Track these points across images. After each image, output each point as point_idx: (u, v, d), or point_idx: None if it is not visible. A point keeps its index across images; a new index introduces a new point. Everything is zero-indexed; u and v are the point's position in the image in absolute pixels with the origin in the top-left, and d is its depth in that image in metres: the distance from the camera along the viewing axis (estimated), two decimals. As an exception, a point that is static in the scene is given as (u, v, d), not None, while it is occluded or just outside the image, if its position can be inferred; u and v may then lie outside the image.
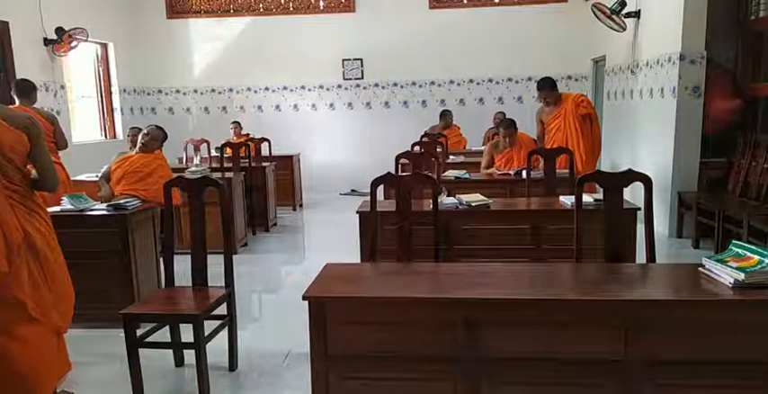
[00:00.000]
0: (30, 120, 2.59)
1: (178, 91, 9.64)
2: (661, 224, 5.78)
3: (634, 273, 2.57)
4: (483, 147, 6.65)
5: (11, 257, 2.43)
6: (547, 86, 5.85)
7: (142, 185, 4.37)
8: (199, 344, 2.81)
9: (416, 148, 6.11)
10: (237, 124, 8.27)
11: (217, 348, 3.09)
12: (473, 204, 3.72)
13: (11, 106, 5.05)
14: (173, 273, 3.20)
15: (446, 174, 5.33)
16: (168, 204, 3.23)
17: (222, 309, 3.11)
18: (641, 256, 3.10)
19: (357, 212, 3.69)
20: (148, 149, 4.57)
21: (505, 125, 5.75)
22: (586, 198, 3.25)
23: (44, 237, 2.57)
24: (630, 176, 2.79)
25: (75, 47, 7.23)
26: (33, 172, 2.66)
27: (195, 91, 9.62)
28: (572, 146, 5.52)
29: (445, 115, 8.17)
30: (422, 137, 7.19)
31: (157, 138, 4.65)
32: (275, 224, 7.07)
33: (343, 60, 9.28)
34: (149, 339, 2.95)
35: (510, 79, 9.15)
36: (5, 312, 2.45)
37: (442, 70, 9.16)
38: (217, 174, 5.83)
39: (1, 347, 2.43)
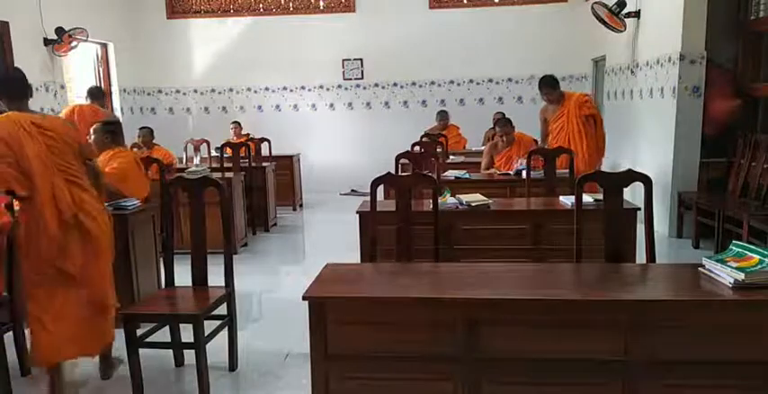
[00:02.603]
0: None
1: (178, 91, 9.64)
2: (661, 224, 5.78)
3: (634, 273, 2.57)
4: (483, 147, 6.65)
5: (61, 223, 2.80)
6: (546, 84, 5.76)
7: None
8: (199, 344, 2.81)
9: (416, 148, 6.11)
10: (237, 124, 8.28)
11: (217, 348, 3.09)
12: (473, 204, 3.72)
13: (84, 104, 5.69)
14: (173, 273, 3.20)
15: (446, 174, 5.33)
16: (168, 204, 3.23)
17: (222, 309, 3.11)
18: (641, 256, 3.10)
19: (357, 212, 3.68)
20: (103, 148, 4.19)
21: (502, 123, 5.74)
22: (586, 198, 3.25)
23: (94, 219, 2.91)
24: (630, 176, 2.79)
25: (75, 47, 7.22)
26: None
27: (195, 91, 9.61)
28: (575, 146, 5.47)
29: (441, 115, 8.16)
30: (422, 137, 7.20)
31: (97, 131, 4.23)
32: (275, 224, 7.07)
33: (344, 60, 9.28)
34: (149, 339, 2.95)
35: (510, 79, 9.15)
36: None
37: (441, 70, 9.15)
38: (217, 174, 5.83)
39: None
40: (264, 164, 7.00)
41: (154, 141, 7.01)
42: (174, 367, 3.28)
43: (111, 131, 4.18)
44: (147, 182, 4.23)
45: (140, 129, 6.49)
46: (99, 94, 5.93)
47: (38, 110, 6.72)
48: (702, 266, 2.26)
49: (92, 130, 4.26)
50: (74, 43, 7.14)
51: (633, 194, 4.44)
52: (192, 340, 2.85)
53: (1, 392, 2.89)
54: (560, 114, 5.73)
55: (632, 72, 6.82)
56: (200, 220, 3.14)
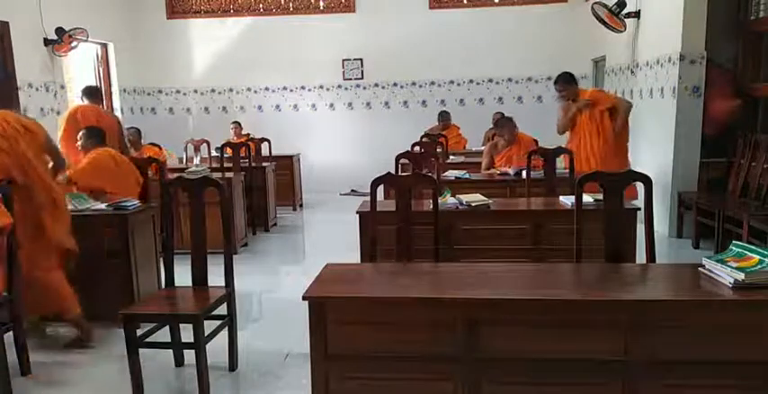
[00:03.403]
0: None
1: (178, 91, 9.64)
2: (661, 224, 5.78)
3: (634, 273, 2.57)
4: (483, 148, 6.64)
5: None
6: (560, 79, 5.58)
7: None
8: (199, 344, 2.81)
9: (416, 148, 6.11)
10: (238, 124, 8.27)
11: (217, 348, 3.09)
12: (473, 204, 3.72)
13: (83, 103, 5.67)
14: (173, 273, 3.20)
15: (446, 174, 5.33)
16: (168, 204, 3.23)
17: (222, 309, 3.10)
18: (641, 256, 3.10)
19: (357, 212, 3.68)
20: (89, 149, 4.38)
21: (503, 123, 5.74)
22: (586, 198, 3.25)
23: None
24: (630, 176, 2.79)
25: (76, 47, 7.22)
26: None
27: (195, 91, 9.61)
28: (585, 146, 5.39)
29: (443, 116, 8.18)
30: (422, 137, 7.20)
31: (83, 136, 4.45)
32: (275, 224, 7.07)
33: (344, 60, 9.28)
34: (149, 339, 2.95)
35: (510, 79, 9.15)
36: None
37: (441, 70, 9.16)
38: (217, 174, 5.83)
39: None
40: (264, 164, 7.00)
41: (150, 141, 7.03)
42: (174, 367, 3.28)
43: (96, 135, 4.42)
44: (133, 179, 4.31)
45: (127, 129, 6.49)
46: (96, 93, 5.92)
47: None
48: (702, 266, 2.26)
49: (79, 135, 4.45)
50: (74, 43, 7.14)
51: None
52: (192, 340, 2.85)
53: (1, 392, 2.89)
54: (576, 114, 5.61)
55: (632, 72, 6.81)
56: (201, 220, 3.14)
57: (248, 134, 8.15)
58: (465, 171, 5.42)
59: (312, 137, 9.38)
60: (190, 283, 3.17)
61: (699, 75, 5.60)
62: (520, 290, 2.26)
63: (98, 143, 4.36)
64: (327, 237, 6.71)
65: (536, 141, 6.05)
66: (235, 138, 7.99)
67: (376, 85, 9.34)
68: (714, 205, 5.15)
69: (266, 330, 3.93)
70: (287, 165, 7.87)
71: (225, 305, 3.12)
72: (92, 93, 5.81)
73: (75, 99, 7.88)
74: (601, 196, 2.86)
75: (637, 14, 6.57)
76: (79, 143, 4.42)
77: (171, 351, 3.27)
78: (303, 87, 9.45)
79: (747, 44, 5.68)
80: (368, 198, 3.13)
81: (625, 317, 2.05)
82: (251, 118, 9.31)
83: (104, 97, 8.59)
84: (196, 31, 9.38)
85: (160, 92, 9.64)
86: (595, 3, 6.66)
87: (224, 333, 3.12)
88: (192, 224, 3.16)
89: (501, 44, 8.92)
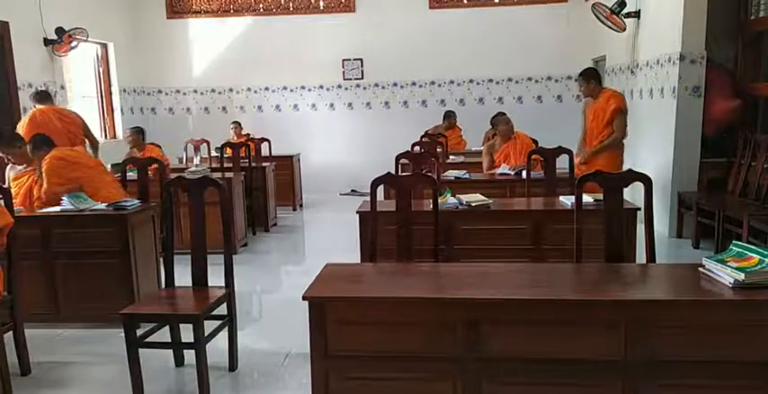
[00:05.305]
0: None
1: (178, 91, 9.64)
2: (661, 224, 5.78)
3: (634, 273, 2.57)
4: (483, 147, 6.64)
5: None
6: (580, 75, 5.51)
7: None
8: (199, 344, 2.81)
9: (416, 148, 6.11)
10: (238, 124, 8.27)
11: (217, 348, 3.09)
12: (473, 204, 3.72)
13: (43, 107, 5.55)
14: (173, 273, 3.20)
15: (446, 174, 5.33)
16: (168, 204, 3.23)
17: (222, 309, 3.10)
18: (641, 256, 3.10)
19: (357, 212, 3.68)
20: (42, 156, 4.30)
21: (496, 119, 5.77)
22: (586, 198, 3.24)
23: None
24: (630, 176, 2.79)
25: (76, 47, 7.22)
26: None
27: (195, 91, 9.61)
28: (591, 136, 5.39)
29: (449, 116, 8.19)
30: (422, 137, 7.20)
31: (33, 150, 4.35)
32: (275, 224, 7.07)
33: (344, 60, 9.28)
34: (149, 339, 2.95)
35: (510, 79, 9.15)
36: None
37: (442, 70, 9.16)
38: (217, 175, 5.83)
39: None
40: (264, 164, 7.00)
41: (150, 141, 7.01)
42: (174, 367, 3.28)
43: (41, 141, 4.28)
44: (93, 162, 4.39)
45: (129, 129, 6.47)
46: (46, 96, 5.78)
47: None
48: (702, 266, 2.26)
49: (28, 148, 4.32)
50: (74, 43, 7.14)
51: (633, 194, 4.44)
52: (192, 340, 2.85)
53: (1, 392, 2.89)
54: (591, 109, 5.55)
55: (632, 72, 6.82)
56: (201, 220, 3.14)
57: (248, 134, 8.14)
58: (465, 171, 5.43)
59: (312, 137, 9.38)
60: (190, 283, 3.17)
61: (699, 75, 5.60)
62: (520, 290, 2.26)
63: (45, 150, 4.26)
64: (327, 237, 6.71)
65: (535, 142, 6.04)
66: (235, 138, 7.99)
67: (376, 85, 9.34)
68: (714, 205, 5.15)
69: (266, 330, 3.93)
70: (287, 165, 7.87)
71: (225, 305, 3.12)
72: (42, 97, 5.74)
73: (76, 99, 7.89)
74: (601, 196, 2.86)
75: (637, 14, 6.57)
76: (31, 154, 4.29)
77: (171, 351, 3.27)
78: (303, 87, 9.45)
79: (747, 44, 5.69)
80: (368, 198, 3.13)
81: (625, 317, 2.05)
82: (251, 118, 9.32)
83: (104, 97, 8.62)
84: (196, 30, 9.38)
85: (160, 92, 9.64)
86: (595, 3, 6.67)
87: (224, 333, 3.12)
88: (192, 224, 3.17)
89: (501, 44, 8.92)
